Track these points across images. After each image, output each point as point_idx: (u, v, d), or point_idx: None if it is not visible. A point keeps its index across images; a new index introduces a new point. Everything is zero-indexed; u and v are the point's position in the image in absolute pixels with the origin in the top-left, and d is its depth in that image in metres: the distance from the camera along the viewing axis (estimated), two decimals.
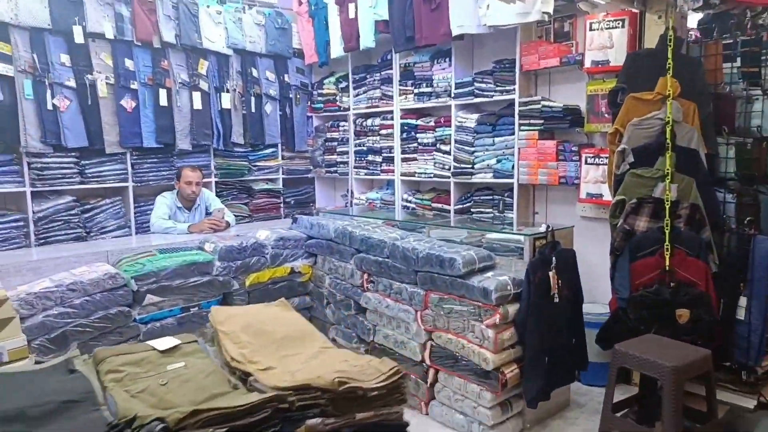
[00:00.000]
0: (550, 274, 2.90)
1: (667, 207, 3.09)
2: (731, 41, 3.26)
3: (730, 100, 3.29)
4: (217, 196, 4.79)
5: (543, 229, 2.98)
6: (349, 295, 3.43)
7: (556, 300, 2.96)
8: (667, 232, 3.07)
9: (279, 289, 3.57)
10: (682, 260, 3.11)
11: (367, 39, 4.42)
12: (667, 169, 3.10)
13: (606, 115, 3.46)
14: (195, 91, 4.53)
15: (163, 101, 4.31)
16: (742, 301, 3.30)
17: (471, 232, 3.27)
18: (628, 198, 3.20)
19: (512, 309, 2.76)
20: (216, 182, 4.84)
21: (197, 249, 3.41)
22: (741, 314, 3.29)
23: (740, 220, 3.31)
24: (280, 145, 5.25)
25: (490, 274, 2.86)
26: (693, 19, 3.57)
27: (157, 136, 4.39)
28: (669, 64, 3.09)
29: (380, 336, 3.26)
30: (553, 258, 2.91)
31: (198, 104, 4.51)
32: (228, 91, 4.73)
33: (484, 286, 2.71)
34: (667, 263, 3.06)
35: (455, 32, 3.83)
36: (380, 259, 3.22)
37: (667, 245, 3.07)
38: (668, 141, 3.09)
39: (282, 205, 5.27)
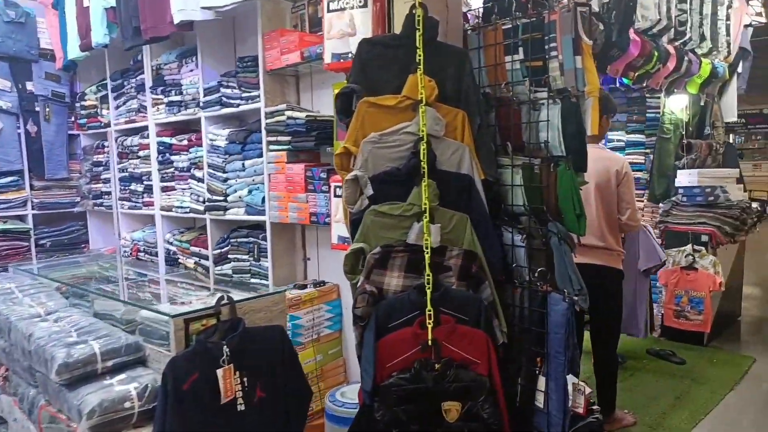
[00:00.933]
0: (220, 372, 1.90)
1: (427, 256, 2.17)
2: (511, 26, 2.38)
3: (514, 106, 2.41)
4: None
5: (213, 302, 1.98)
6: None
7: (241, 408, 1.97)
8: (428, 291, 2.15)
9: None
10: (451, 331, 2.19)
11: (98, 33, 3.38)
12: (424, 204, 2.18)
13: None
14: None
15: None
16: (541, 382, 2.40)
17: (126, 306, 2.25)
18: (370, 246, 2.25)
19: None
20: None
21: None
22: (540, 400, 2.39)
23: (533, 271, 2.42)
24: (26, 173, 4.11)
25: (121, 377, 1.84)
26: None
27: None
28: (419, 56, 2.18)
29: None
30: (225, 348, 1.91)
31: None
32: None
33: (79, 405, 1.67)
34: (430, 336, 2.14)
35: (177, 19, 2.82)
36: (6, 345, 2.15)
37: (429, 310, 2.14)
38: (423, 164, 2.18)
39: (34, 248, 4.12)
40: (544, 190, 2.30)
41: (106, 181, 4.06)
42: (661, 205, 4.76)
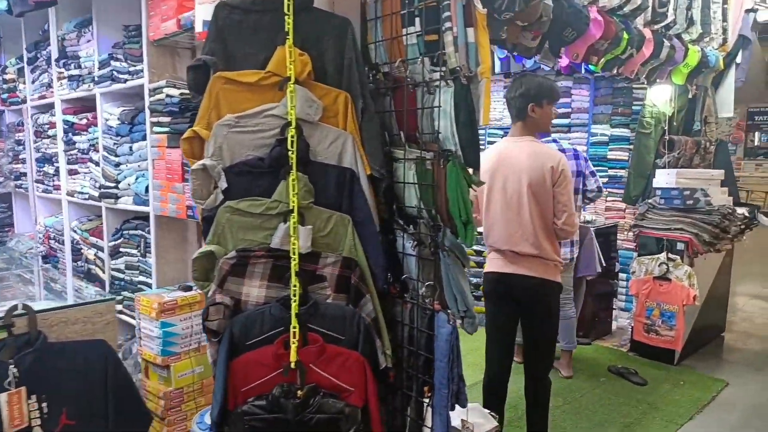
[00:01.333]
0: (4, 397, 1.59)
1: (294, 263, 1.85)
2: None
3: (409, 88, 2.03)
4: None
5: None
6: None
7: None
8: (293, 304, 1.84)
9: None
10: (321, 352, 1.87)
11: None
12: (292, 201, 1.84)
13: None
14: None
15: None
16: (429, 416, 2.06)
17: None
18: (226, 249, 1.91)
19: None
20: None
21: None
22: None
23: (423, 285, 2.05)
24: None
25: None
26: None
27: None
28: (288, 24, 1.83)
29: None
30: (12, 368, 1.59)
31: None
32: None
33: None
34: (293, 357, 1.82)
35: None
36: None
37: (293, 327, 1.83)
38: (292, 155, 1.83)
39: None
40: (436, 190, 1.93)
41: (24, 161, 3.78)
42: (638, 206, 4.34)
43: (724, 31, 4.41)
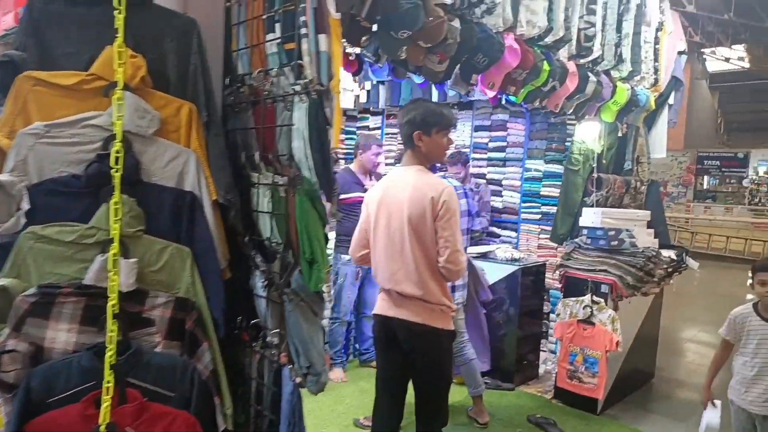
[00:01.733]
0: None
1: (111, 303, 1.53)
2: None
3: (268, 102, 1.77)
4: None
5: None
6: None
7: None
8: (108, 354, 1.52)
9: None
10: (140, 411, 1.55)
11: None
12: (113, 229, 1.54)
13: None
14: None
15: None
16: None
17: None
18: (29, 283, 1.58)
19: None
20: None
21: None
22: None
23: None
24: None
25: None
26: None
27: None
28: (119, 19, 1.55)
29: None
30: None
31: None
32: None
33: None
34: (104, 418, 1.49)
35: None
36: None
37: (107, 382, 1.51)
38: (116, 173, 1.53)
39: None
40: (290, 221, 1.66)
41: None
42: (565, 245, 4.16)
43: (656, 71, 4.35)
